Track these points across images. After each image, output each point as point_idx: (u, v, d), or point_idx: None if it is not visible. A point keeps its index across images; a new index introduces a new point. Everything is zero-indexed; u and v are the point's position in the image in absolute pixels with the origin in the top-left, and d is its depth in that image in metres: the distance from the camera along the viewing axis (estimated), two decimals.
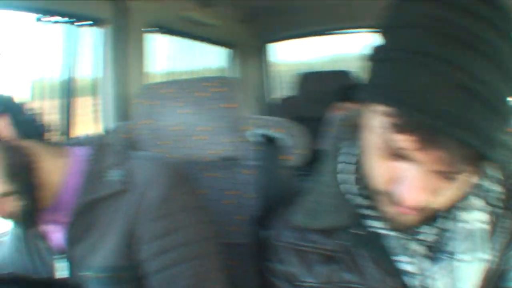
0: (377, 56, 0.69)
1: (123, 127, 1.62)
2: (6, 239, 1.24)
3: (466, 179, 0.67)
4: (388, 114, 0.64)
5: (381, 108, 0.66)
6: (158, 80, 2.40)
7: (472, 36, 0.59)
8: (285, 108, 2.98)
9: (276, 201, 1.40)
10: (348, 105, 2.35)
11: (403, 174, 0.68)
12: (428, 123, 0.59)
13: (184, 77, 2.71)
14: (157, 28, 2.23)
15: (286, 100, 3.12)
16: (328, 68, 3.70)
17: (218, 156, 1.51)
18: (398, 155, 0.67)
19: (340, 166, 0.91)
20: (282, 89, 3.57)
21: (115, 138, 1.56)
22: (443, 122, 0.59)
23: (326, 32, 3.36)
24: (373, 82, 0.69)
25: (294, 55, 3.73)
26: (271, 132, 1.44)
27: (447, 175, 0.66)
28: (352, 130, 0.89)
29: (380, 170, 0.71)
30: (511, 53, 0.61)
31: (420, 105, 0.59)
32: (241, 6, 2.70)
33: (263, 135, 1.45)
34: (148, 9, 2.01)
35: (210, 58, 2.98)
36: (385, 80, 0.65)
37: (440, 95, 0.59)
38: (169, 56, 2.52)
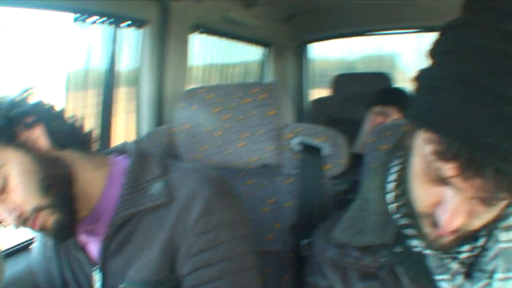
0: (424, 81, 0.69)
1: (162, 131, 1.61)
2: (34, 247, 1.23)
3: (506, 203, 0.68)
4: (432, 141, 0.64)
5: (426, 133, 0.67)
6: (196, 77, 2.39)
7: None
8: (319, 109, 2.88)
9: (315, 211, 1.38)
10: (387, 109, 2.23)
11: (444, 199, 0.68)
12: (470, 154, 0.60)
13: (220, 74, 2.69)
14: (198, 29, 2.22)
15: (321, 101, 2.99)
16: (368, 68, 3.66)
17: (259, 164, 1.49)
18: (441, 180, 0.67)
19: (389, 186, 0.89)
20: (319, 89, 3.47)
21: (155, 144, 1.55)
22: (485, 153, 0.59)
23: (367, 33, 3.29)
24: (419, 106, 0.68)
25: (333, 53, 3.66)
26: (312, 141, 1.41)
27: (487, 201, 0.66)
28: (399, 146, 0.88)
29: (424, 194, 0.72)
30: None
31: (463, 136, 0.60)
32: (282, 5, 2.65)
33: (304, 143, 1.42)
34: (191, 10, 1.98)
35: (246, 56, 2.95)
36: (430, 106, 0.65)
37: (484, 126, 0.59)
38: (207, 54, 2.51)
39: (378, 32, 3.26)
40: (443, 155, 0.63)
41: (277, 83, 1.50)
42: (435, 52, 0.69)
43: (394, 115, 2.19)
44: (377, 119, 2.21)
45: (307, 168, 1.40)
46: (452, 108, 0.61)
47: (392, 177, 0.89)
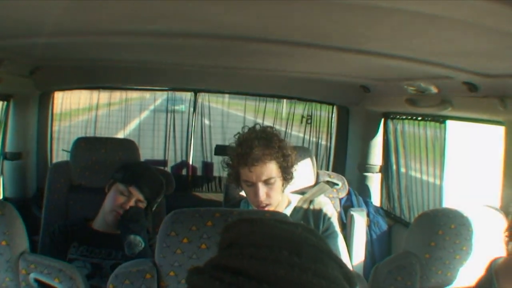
0: None
1: None
2: None
3: None
4: None
5: None
6: None
7: None
8: (59, 174, 2.57)
9: None
10: (129, 189, 2.15)
11: None
12: None
13: None
14: None
15: (60, 166, 2.66)
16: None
17: None
18: None
19: None
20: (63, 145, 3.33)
21: None
22: None
23: (116, 88, 3.32)
24: None
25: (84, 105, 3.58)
26: (48, 280, 1.37)
27: None
28: None
29: None
30: None
31: None
32: (26, 62, 2.47)
33: (41, 282, 1.37)
34: None
35: None
36: None
37: None
38: None
39: (125, 87, 3.31)
40: None
41: (9, 206, 1.39)
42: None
43: (136, 196, 2.16)
44: (119, 199, 2.16)
45: None
46: None
47: None
